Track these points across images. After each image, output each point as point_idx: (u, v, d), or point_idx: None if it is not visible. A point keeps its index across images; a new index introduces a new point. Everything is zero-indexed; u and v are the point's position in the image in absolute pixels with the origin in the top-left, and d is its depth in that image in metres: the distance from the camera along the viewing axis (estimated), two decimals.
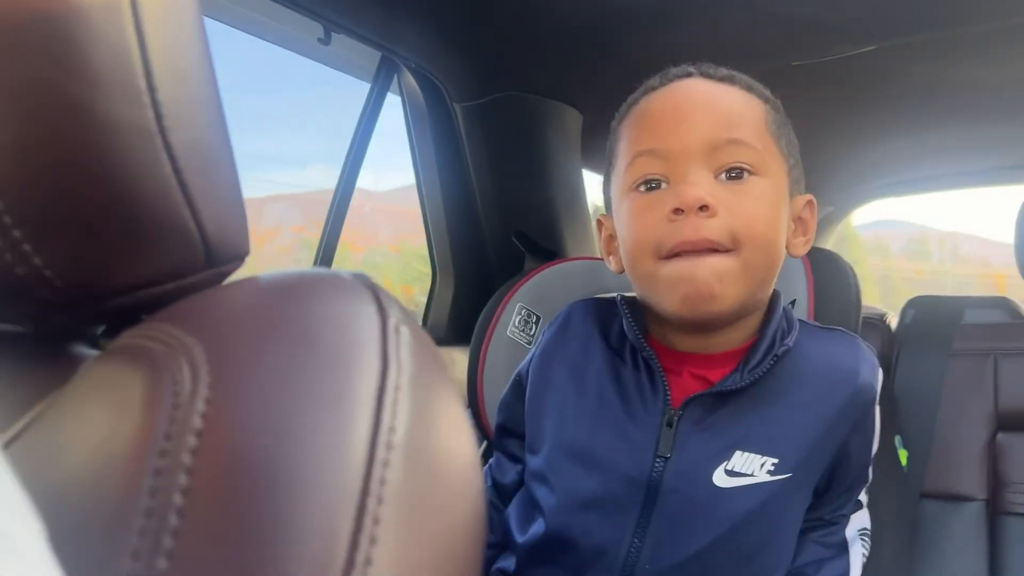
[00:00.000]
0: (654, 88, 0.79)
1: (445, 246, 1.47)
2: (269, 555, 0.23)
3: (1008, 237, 1.36)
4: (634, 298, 0.83)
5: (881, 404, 0.79)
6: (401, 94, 1.39)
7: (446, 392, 0.30)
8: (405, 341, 0.29)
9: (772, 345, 0.75)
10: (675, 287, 0.71)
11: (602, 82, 1.43)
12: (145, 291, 0.35)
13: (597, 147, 1.60)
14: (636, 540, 0.73)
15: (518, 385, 0.87)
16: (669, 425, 0.74)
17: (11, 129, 0.30)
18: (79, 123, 0.31)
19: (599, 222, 0.86)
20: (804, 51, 1.41)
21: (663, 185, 0.73)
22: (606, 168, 0.84)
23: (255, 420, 0.25)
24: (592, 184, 1.65)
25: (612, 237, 0.82)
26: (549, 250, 1.41)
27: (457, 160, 1.43)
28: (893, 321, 1.36)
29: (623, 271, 0.81)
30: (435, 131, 1.40)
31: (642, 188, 0.74)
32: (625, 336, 0.80)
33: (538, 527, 0.78)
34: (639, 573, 0.72)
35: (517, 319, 1.12)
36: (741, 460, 0.72)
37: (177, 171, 0.34)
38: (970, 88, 1.63)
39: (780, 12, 1.25)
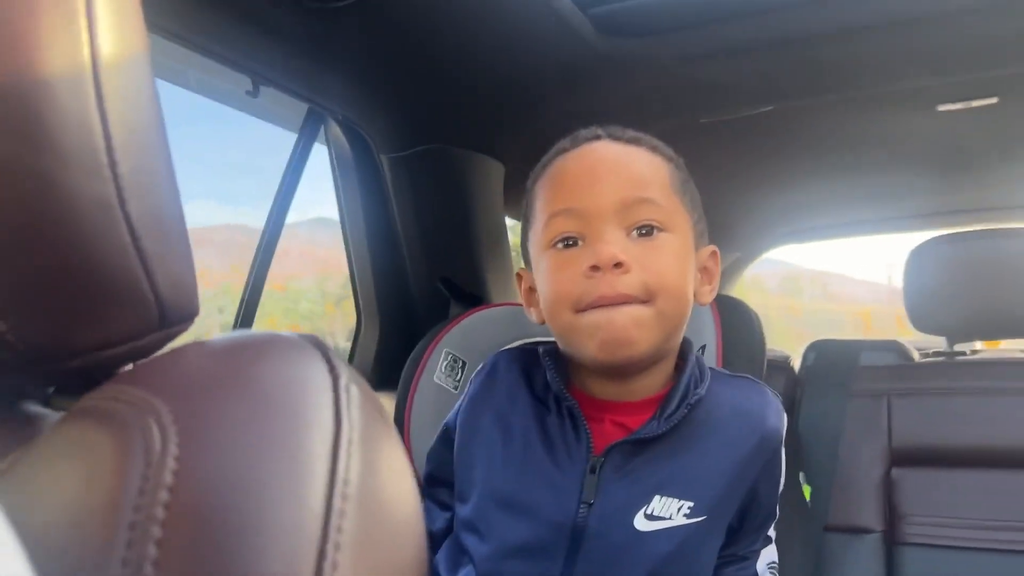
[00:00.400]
0: (566, 150, 0.83)
1: (370, 293, 1.49)
2: None
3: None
4: (557, 348, 0.87)
5: (786, 442, 0.84)
6: (328, 145, 1.42)
7: (391, 444, 0.33)
8: (355, 399, 0.32)
9: (686, 394, 0.79)
10: (593, 334, 0.75)
11: (524, 136, 1.49)
12: (101, 353, 0.37)
13: (519, 197, 1.66)
14: None
15: (446, 435, 0.89)
16: (593, 471, 0.77)
17: None
18: (44, 196, 0.33)
19: (519, 275, 0.89)
20: (710, 110, 1.51)
21: (579, 243, 0.77)
22: (523, 224, 0.88)
23: (222, 475, 0.28)
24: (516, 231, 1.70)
25: (532, 290, 0.86)
26: (474, 296, 1.45)
27: (383, 209, 1.46)
28: (796, 363, 1.45)
29: (544, 322, 0.85)
30: (361, 181, 1.43)
31: (560, 246, 0.78)
32: (549, 385, 0.83)
33: (468, 574, 0.80)
34: None
35: (444, 364, 1.15)
36: (660, 504, 0.76)
37: (135, 239, 0.36)
38: (864, 144, 1.76)
39: (688, 74, 1.34)
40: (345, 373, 0.33)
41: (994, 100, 1.51)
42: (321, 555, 0.27)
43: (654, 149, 0.83)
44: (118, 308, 0.36)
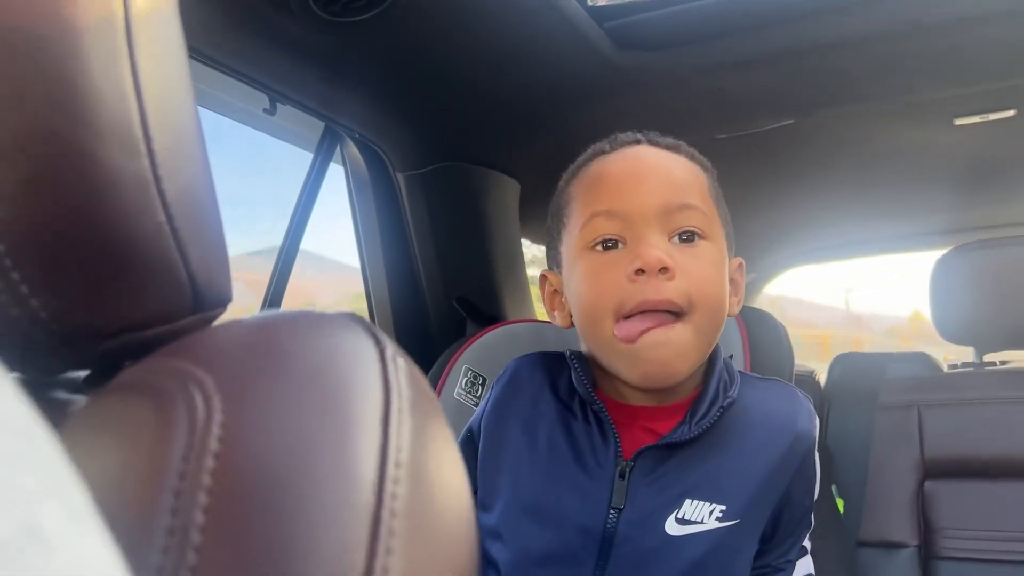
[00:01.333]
0: (604, 152, 0.83)
1: (386, 311, 1.48)
2: (291, 566, 0.24)
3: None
4: (581, 352, 0.85)
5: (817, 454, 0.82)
6: (344, 163, 1.42)
7: (439, 417, 0.32)
8: (403, 369, 0.31)
9: (716, 397, 0.78)
10: (635, 364, 0.74)
11: (539, 153, 1.49)
12: (134, 334, 0.35)
13: (535, 215, 1.65)
14: None
15: (469, 441, 0.87)
16: (621, 476, 0.76)
17: (18, 174, 0.31)
18: (81, 171, 0.32)
19: (543, 277, 0.87)
20: (727, 124, 1.50)
21: (620, 245, 0.76)
22: (553, 226, 0.86)
23: (270, 442, 0.26)
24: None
25: (557, 292, 0.85)
26: (490, 315, 1.44)
27: (399, 228, 1.46)
28: (822, 378, 1.43)
29: (570, 326, 0.83)
30: (377, 200, 1.43)
31: (599, 247, 0.77)
32: (574, 389, 0.82)
33: None
34: None
35: (463, 381, 1.13)
36: (691, 508, 0.74)
37: (169, 218, 0.35)
38: (881, 159, 1.75)
39: (705, 87, 1.33)
40: (391, 345, 0.32)
41: (1012, 113, 1.50)
42: (376, 522, 0.25)
43: (692, 157, 0.83)
44: (152, 289, 0.35)
